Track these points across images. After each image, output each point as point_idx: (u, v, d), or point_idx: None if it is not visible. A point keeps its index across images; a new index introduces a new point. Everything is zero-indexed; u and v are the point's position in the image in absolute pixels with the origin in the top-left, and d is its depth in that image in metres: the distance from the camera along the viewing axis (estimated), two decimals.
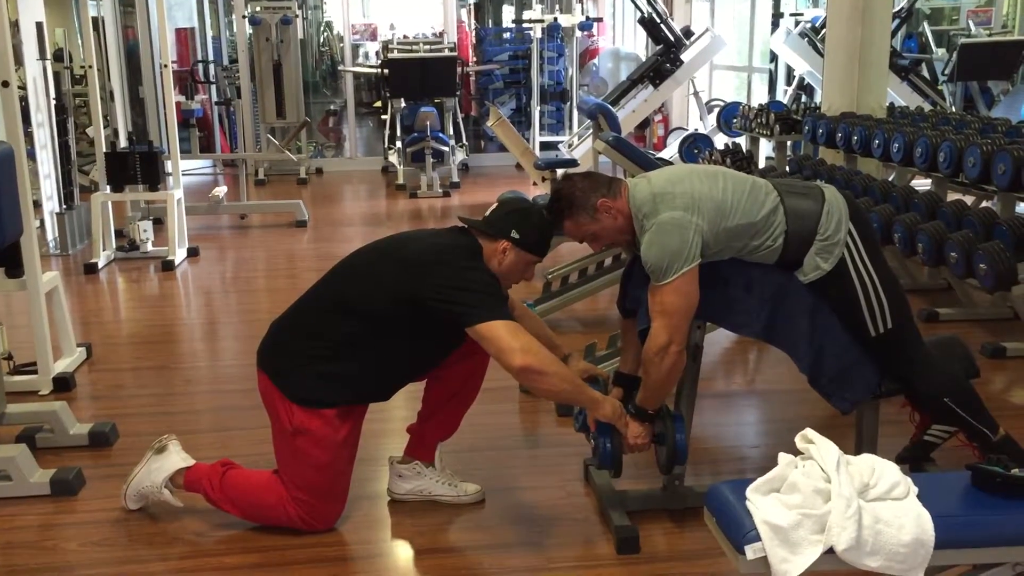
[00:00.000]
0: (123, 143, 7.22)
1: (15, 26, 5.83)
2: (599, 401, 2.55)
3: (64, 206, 6.53)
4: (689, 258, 2.44)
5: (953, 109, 8.07)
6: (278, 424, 2.65)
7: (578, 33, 10.55)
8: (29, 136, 6.01)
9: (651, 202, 2.50)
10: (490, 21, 12.39)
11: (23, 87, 5.89)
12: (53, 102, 6.41)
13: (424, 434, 2.89)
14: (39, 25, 6.17)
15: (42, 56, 6.20)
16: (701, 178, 2.55)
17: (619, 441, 2.58)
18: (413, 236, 2.75)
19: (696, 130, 9.06)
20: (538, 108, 10.41)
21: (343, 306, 2.60)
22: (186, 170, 8.90)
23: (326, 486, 2.66)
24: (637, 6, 9.26)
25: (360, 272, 2.65)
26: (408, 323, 2.54)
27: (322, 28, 12.62)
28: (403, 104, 9.44)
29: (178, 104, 9.22)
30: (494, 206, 2.71)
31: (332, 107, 12.08)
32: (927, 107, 7.49)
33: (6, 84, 3.77)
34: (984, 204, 5.11)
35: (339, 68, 11.38)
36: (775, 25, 9.19)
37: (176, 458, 2.76)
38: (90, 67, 6.24)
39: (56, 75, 6.66)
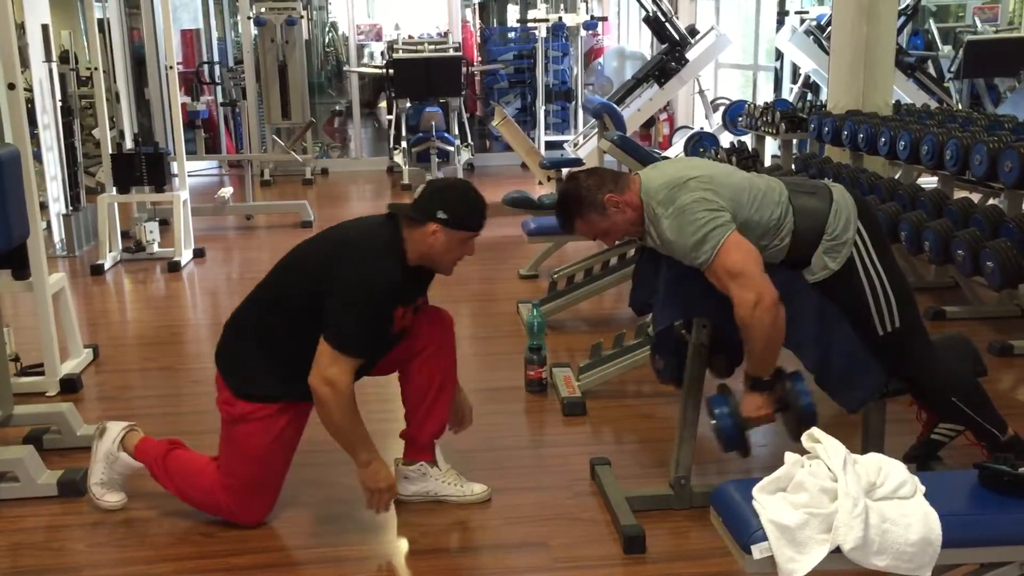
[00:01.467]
0: (129, 144, 7.21)
1: (21, 28, 5.84)
2: (373, 455, 2.61)
3: (70, 208, 6.54)
4: (725, 224, 2.40)
5: (959, 106, 8.05)
6: (223, 415, 2.71)
7: (583, 32, 10.54)
8: (35, 138, 6.03)
9: (665, 190, 2.48)
10: (495, 21, 12.39)
11: (29, 89, 5.90)
12: (59, 104, 6.43)
13: (416, 435, 2.88)
14: (45, 27, 6.19)
15: (48, 58, 6.22)
16: (715, 166, 2.58)
17: (740, 419, 2.52)
18: (336, 231, 2.73)
19: (701, 129, 9.05)
20: (543, 107, 10.40)
21: (273, 303, 2.67)
22: (192, 171, 8.91)
23: (257, 478, 2.68)
24: (642, 5, 9.25)
25: (288, 268, 2.71)
26: (314, 320, 2.56)
27: (327, 29, 12.64)
28: (408, 104, 9.44)
29: (183, 105, 9.19)
30: (421, 187, 2.72)
31: (337, 107, 12.09)
32: (933, 104, 7.48)
33: (12, 86, 3.78)
34: (991, 202, 5.10)
35: (344, 69, 11.39)
36: (780, 23, 9.17)
37: (115, 428, 2.83)
38: (96, 69, 6.25)
39: (62, 77, 6.68)
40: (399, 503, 2.88)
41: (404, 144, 9.14)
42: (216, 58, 10.87)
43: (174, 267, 6.00)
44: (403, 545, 2.72)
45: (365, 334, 2.53)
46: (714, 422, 2.58)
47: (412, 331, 2.76)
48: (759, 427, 2.58)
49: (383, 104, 10.76)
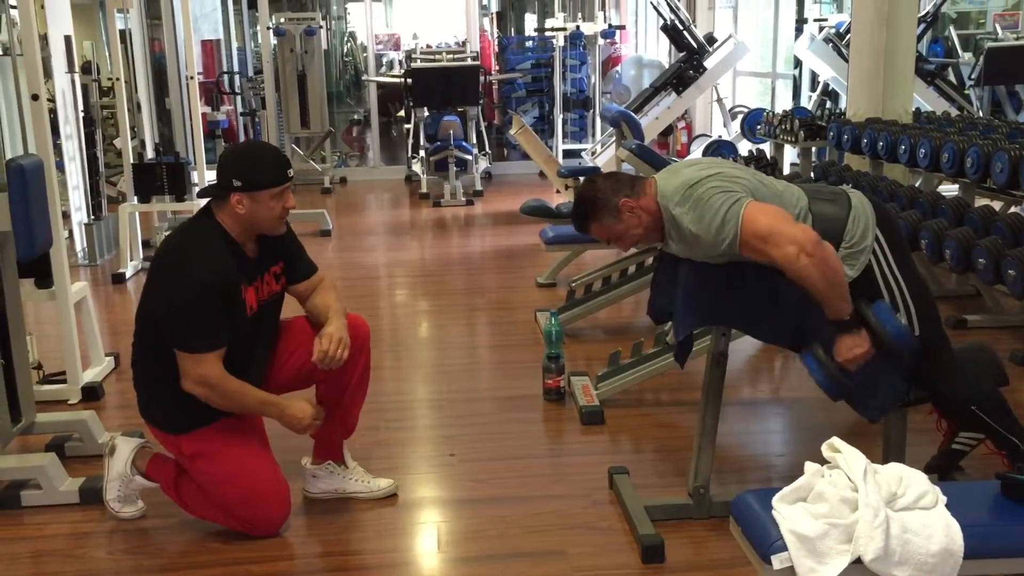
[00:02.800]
0: (150, 154, 7.29)
1: (44, 39, 5.91)
2: (282, 404, 2.65)
3: (92, 217, 6.60)
4: (738, 199, 2.38)
5: (980, 114, 8.00)
6: (179, 462, 2.74)
7: (600, 41, 10.55)
8: (58, 148, 6.08)
9: (681, 191, 2.47)
10: (512, 30, 12.44)
11: (52, 100, 5.97)
12: (81, 114, 6.49)
13: (326, 437, 2.92)
14: (68, 38, 6.26)
15: (71, 69, 6.28)
16: (730, 165, 2.58)
17: (833, 366, 2.42)
18: (160, 247, 2.77)
19: (720, 137, 9.04)
20: (561, 116, 10.41)
21: (148, 342, 2.69)
22: (212, 180, 9.00)
23: (249, 493, 2.68)
24: (660, 13, 9.25)
25: (141, 304, 2.73)
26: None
27: (346, 38, 12.72)
28: (426, 113, 9.48)
29: (204, 115, 9.29)
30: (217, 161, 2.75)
31: (356, 117, 12.15)
32: (954, 112, 7.43)
33: (36, 97, 3.83)
34: (1012, 209, 5.06)
35: (363, 78, 11.45)
36: (799, 31, 9.15)
37: (125, 448, 2.84)
38: (117, 79, 6.31)
39: (84, 87, 6.75)
40: (411, 509, 2.89)
41: (422, 153, 9.18)
42: (236, 68, 10.97)
43: None
44: (422, 554, 2.72)
45: (204, 328, 2.56)
46: (810, 368, 2.49)
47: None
48: (855, 365, 2.42)
49: (401, 113, 10.81)
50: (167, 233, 2.83)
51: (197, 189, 2.77)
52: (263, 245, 2.73)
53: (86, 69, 7.35)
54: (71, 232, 6.43)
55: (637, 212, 2.55)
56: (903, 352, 2.42)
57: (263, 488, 2.71)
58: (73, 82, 6.36)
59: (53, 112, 6.00)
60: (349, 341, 2.72)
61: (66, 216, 6.23)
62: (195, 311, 2.54)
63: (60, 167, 6.17)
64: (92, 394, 3.86)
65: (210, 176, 7.66)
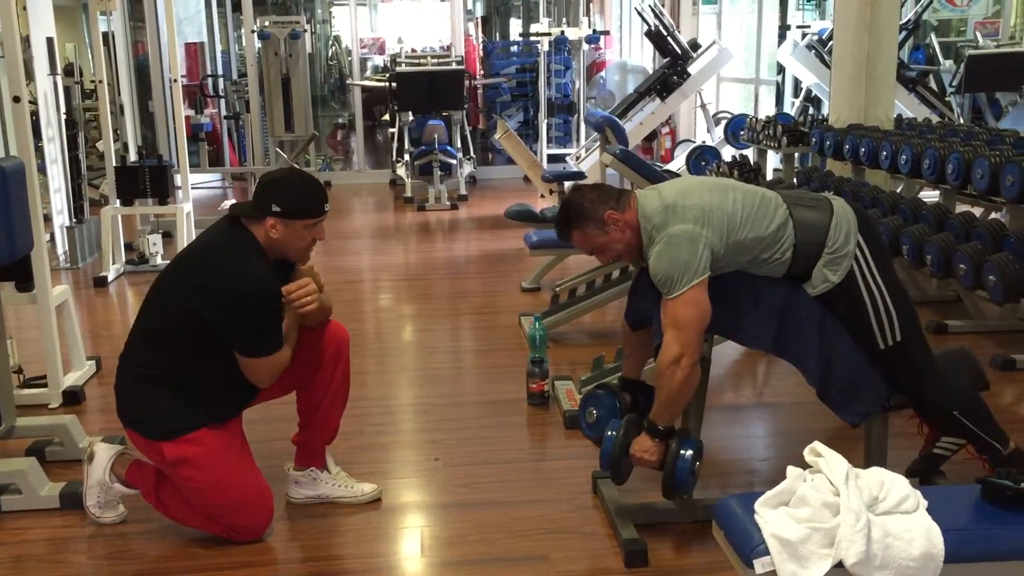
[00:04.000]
0: (133, 157, 7.25)
1: (26, 41, 5.87)
2: (289, 321, 2.69)
3: (74, 220, 6.55)
4: (699, 270, 2.44)
5: (961, 121, 8.06)
6: (160, 468, 2.72)
7: (585, 46, 10.58)
8: (40, 150, 6.05)
9: (661, 214, 2.50)
10: (497, 34, 12.46)
11: (34, 102, 5.93)
12: (63, 116, 6.45)
13: (307, 442, 2.92)
14: (50, 40, 6.22)
15: (53, 71, 6.24)
16: (712, 191, 2.56)
17: (623, 446, 2.57)
18: (195, 251, 2.76)
19: (703, 142, 9.07)
20: (545, 121, 10.43)
21: (161, 340, 2.67)
22: (195, 184, 8.95)
23: (228, 501, 2.66)
24: (644, 19, 9.29)
25: (163, 302, 2.70)
26: (205, 339, 2.60)
27: (330, 42, 12.70)
28: (411, 117, 9.47)
29: (187, 118, 9.26)
30: (257, 183, 2.75)
31: (340, 120, 12.13)
32: (935, 119, 7.48)
33: (17, 99, 3.80)
34: (993, 216, 5.10)
35: (347, 82, 11.44)
36: (782, 37, 9.20)
37: (104, 455, 2.83)
38: (100, 82, 6.28)
39: (67, 90, 6.70)
40: (396, 513, 2.89)
41: (407, 157, 9.17)
42: (220, 71, 10.93)
43: None
44: (405, 558, 2.72)
45: (276, 332, 2.64)
46: (605, 434, 2.62)
47: (311, 346, 2.81)
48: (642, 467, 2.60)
49: (386, 117, 10.80)
50: (199, 237, 2.80)
51: (229, 204, 2.78)
52: (282, 267, 2.75)
53: (69, 71, 7.28)
54: (53, 235, 6.39)
55: (621, 226, 2.57)
56: (672, 495, 2.61)
57: (246, 495, 2.70)
58: (55, 84, 6.33)
59: (35, 114, 5.96)
60: (317, 293, 2.70)
61: (48, 219, 6.19)
62: (272, 317, 2.61)
63: (42, 170, 6.12)
64: (73, 398, 3.83)
65: (194, 179, 7.67)
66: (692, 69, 9.18)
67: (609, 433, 2.61)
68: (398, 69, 9.85)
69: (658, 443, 2.54)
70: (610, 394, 2.76)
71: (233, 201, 7.54)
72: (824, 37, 8.37)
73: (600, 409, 2.74)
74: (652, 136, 10.36)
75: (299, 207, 2.62)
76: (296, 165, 8.95)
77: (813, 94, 8.84)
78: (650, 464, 2.56)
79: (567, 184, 6.70)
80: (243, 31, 10.00)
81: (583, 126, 10.50)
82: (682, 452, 2.52)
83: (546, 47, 10.26)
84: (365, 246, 7.12)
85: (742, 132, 7.46)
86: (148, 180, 6.18)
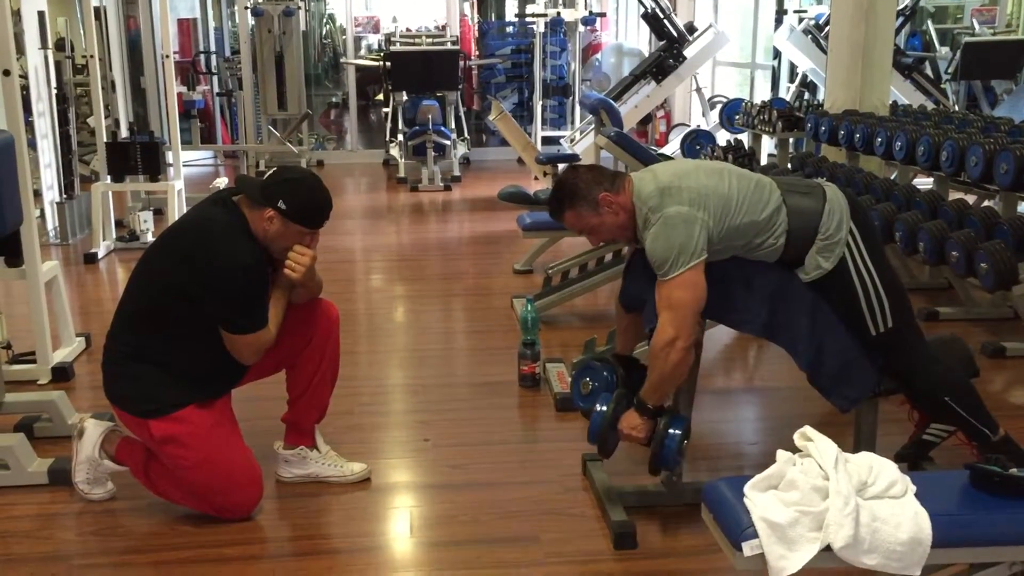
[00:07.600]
0: (124, 133, 7.21)
1: (17, 15, 5.82)
2: (278, 290, 2.69)
3: (64, 196, 6.52)
4: (695, 252, 2.43)
5: (956, 108, 8.06)
6: (148, 446, 2.71)
7: (581, 28, 10.52)
8: (30, 125, 6.00)
9: (657, 196, 2.49)
10: (493, 15, 12.38)
11: (24, 76, 5.88)
12: (54, 91, 6.40)
13: (297, 420, 2.92)
14: (41, 14, 6.16)
15: (44, 45, 6.19)
16: (708, 173, 2.55)
17: (611, 421, 2.56)
18: (180, 226, 2.75)
19: (698, 126, 9.05)
20: (540, 103, 10.39)
21: (148, 317, 2.66)
22: (187, 161, 8.90)
23: (217, 480, 2.66)
24: (641, 2, 9.24)
25: (150, 279, 2.69)
26: (193, 316, 2.59)
27: (324, 20, 12.61)
28: (405, 97, 9.43)
29: (179, 95, 9.21)
30: (273, 171, 2.74)
31: (334, 99, 12.06)
32: (930, 106, 7.48)
33: (7, 73, 3.77)
34: (986, 203, 5.10)
35: (341, 60, 11.37)
36: (779, 22, 9.17)
37: (94, 431, 2.82)
38: (92, 57, 6.22)
39: (58, 64, 6.65)
40: (384, 492, 2.89)
41: (401, 137, 9.14)
42: (213, 48, 10.86)
43: None
44: (394, 538, 2.72)
45: (262, 309, 2.63)
46: (595, 408, 2.61)
47: (301, 324, 2.81)
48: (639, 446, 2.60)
49: (380, 96, 10.75)
50: (186, 214, 2.78)
51: (236, 176, 2.78)
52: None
53: (60, 46, 7.24)
54: (43, 211, 6.35)
55: (615, 208, 2.55)
56: (657, 471, 2.64)
57: (235, 473, 2.69)
58: (46, 59, 6.27)
59: (25, 89, 5.91)
60: (311, 267, 2.70)
61: (38, 194, 6.15)
62: (258, 294, 2.61)
63: (32, 145, 6.08)
64: (62, 374, 3.82)
65: (186, 156, 7.61)
66: (688, 52, 9.15)
67: (599, 407, 2.60)
68: (393, 48, 9.79)
69: (646, 420, 2.54)
70: (607, 366, 2.74)
71: (224, 179, 7.50)
72: (821, 22, 8.36)
73: (596, 381, 2.73)
74: (647, 119, 10.33)
75: (304, 214, 2.63)
76: (288, 143, 8.91)
77: (809, 79, 8.83)
78: (638, 440, 2.56)
79: (561, 166, 6.68)
80: (236, 7, 9.90)
81: (578, 108, 10.46)
82: (670, 431, 2.52)
83: (542, 28, 10.21)
84: (357, 226, 7.09)
85: (737, 116, 7.45)
86: (139, 157, 6.14)
